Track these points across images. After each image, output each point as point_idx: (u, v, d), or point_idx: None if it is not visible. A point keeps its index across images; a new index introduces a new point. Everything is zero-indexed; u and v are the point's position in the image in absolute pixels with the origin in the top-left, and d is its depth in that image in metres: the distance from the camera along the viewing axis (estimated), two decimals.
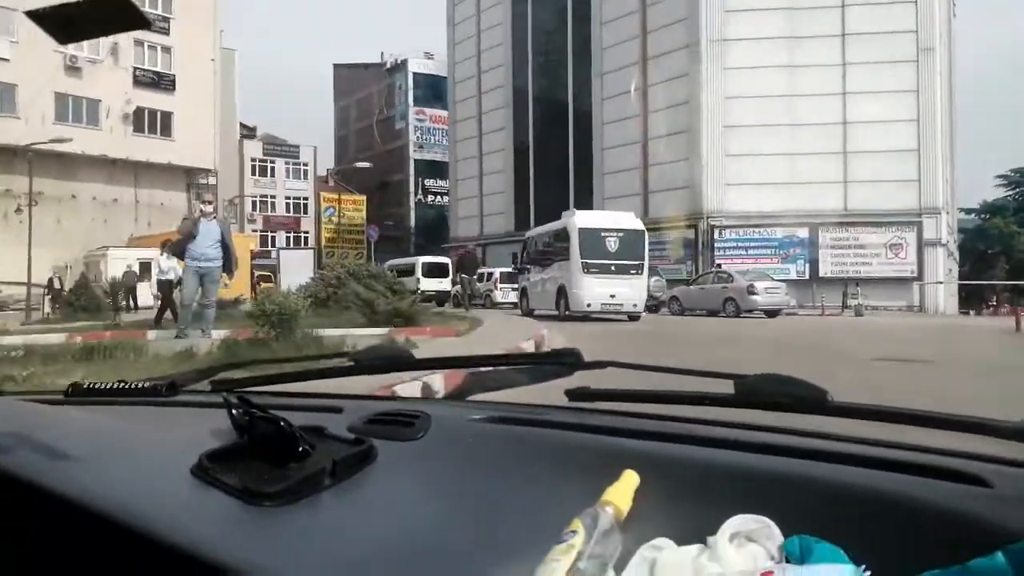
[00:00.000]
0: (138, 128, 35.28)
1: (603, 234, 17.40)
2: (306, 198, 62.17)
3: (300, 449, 0.79)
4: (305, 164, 62.71)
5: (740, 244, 30.96)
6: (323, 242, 58.76)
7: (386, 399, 1.52)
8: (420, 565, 0.64)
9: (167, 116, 36.27)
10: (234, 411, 0.88)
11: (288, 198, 61.53)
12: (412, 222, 59.35)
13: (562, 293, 17.81)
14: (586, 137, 37.02)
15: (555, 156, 39.15)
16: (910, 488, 0.70)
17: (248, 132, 61.97)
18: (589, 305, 16.96)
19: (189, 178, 38.20)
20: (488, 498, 0.79)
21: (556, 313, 18.03)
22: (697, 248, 31.50)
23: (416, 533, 0.70)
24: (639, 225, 18.20)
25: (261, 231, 60.23)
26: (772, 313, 22.13)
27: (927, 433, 0.85)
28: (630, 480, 0.71)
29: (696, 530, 0.67)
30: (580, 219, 17.92)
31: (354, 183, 64.01)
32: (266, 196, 60.70)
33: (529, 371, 1.24)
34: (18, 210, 28.72)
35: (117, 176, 35.45)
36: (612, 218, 18.89)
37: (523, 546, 0.64)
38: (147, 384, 1.27)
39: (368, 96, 65.74)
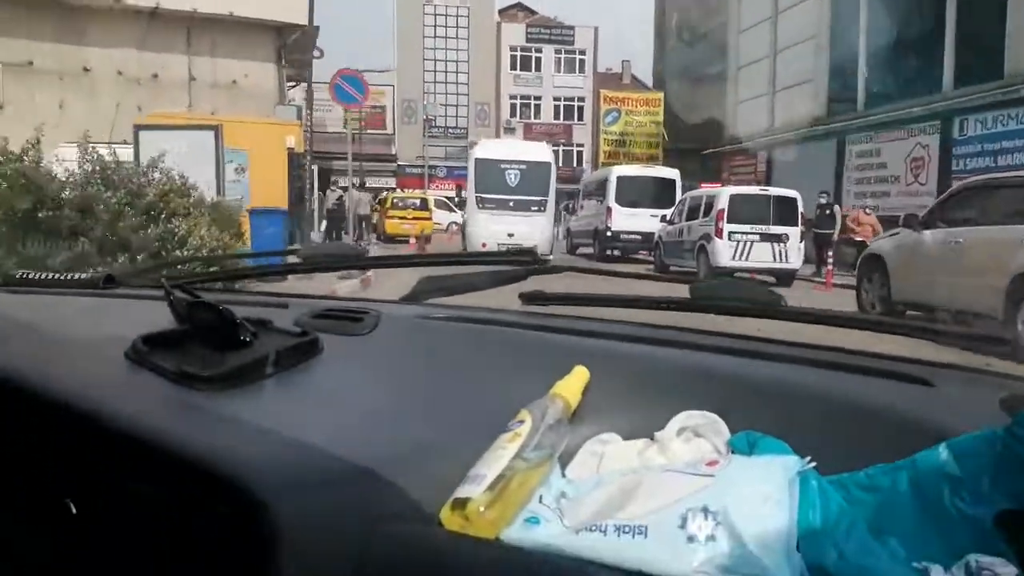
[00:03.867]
0: None
1: (503, 166, 16.45)
2: (582, 99, 46.58)
3: (242, 338, 0.78)
4: (582, 52, 46.91)
5: None
6: (601, 158, 42.34)
7: (335, 298, 1.39)
8: (363, 451, 0.63)
9: None
10: (173, 297, 0.84)
11: (557, 99, 46.70)
12: (736, 129, 39.21)
13: (463, 230, 17.48)
14: None
15: None
16: (856, 388, 0.73)
17: (515, 11, 47.48)
18: (484, 245, 15.26)
19: (280, 41, 24.26)
20: (436, 391, 0.79)
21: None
22: None
23: (361, 422, 0.70)
24: (546, 156, 16.89)
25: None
26: None
27: (877, 338, 0.87)
28: (580, 375, 0.72)
29: (645, 427, 0.68)
30: (480, 149, 17.43)
31: (671, 82, 46.07)
32: (529, 97, 46.34)
33: (485, 275, 1.19)
34: None
35: (156, 38, 22.77)
36: (516, 148, 18.19)
37: (470, 435, 0.64)
38: (83, 276, 1.23)
39: None
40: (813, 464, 0.57)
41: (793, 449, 0.61)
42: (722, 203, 13.43)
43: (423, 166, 41.82)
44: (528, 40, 46.31)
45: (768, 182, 20.06)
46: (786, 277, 13.39)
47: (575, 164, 44.63)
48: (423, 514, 0.58)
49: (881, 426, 0.65)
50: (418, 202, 25.69)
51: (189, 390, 0.70)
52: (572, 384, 0.70)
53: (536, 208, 16.20)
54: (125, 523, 0.65)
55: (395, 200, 25.72)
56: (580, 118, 46.68)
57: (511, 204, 16.09)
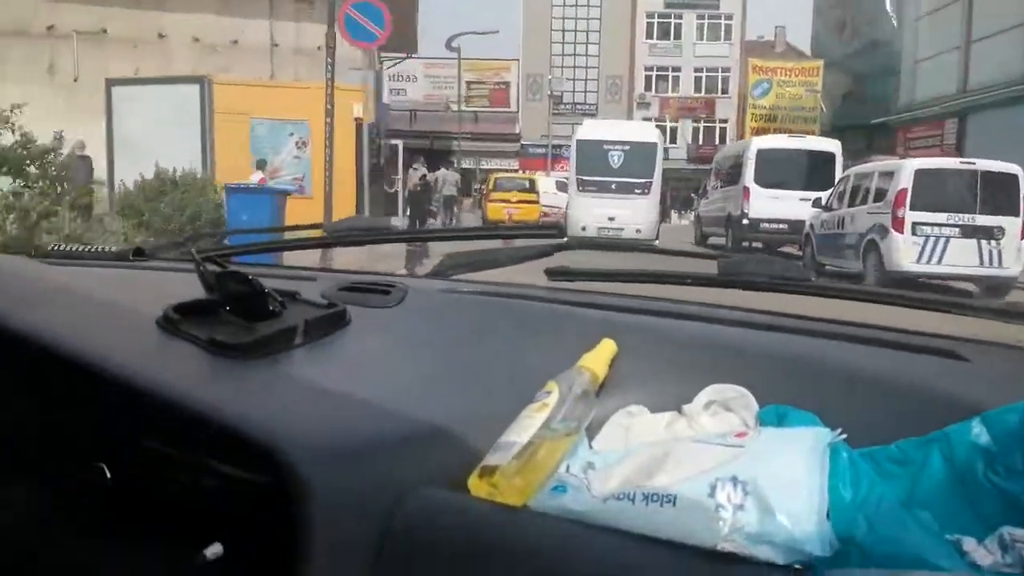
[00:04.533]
0: None
1: (605, 147, 15.80)
2: (727, 69, 41.96)
3: (271, 308, 0.79)
4: (728, 18, 42.21)
5: None
6: (748, 135, 37.64)
7: (362, 272, 1.41)
8: (391, 420, 0.65)
9: None
10: (203, 268, 0.84)
11: (699, 70, 42.31)
12: (914, 94, 31.58)
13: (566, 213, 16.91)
14: None
15: None
16: (888, 362, 0.73)
17: None
18: (584, 228, 14.91)
19: None
20: (463, 362, 0.80)
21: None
22: None
23: (389, 392, 0.71)
24: (651, 137, 16.45)
25: (656, 120, 41.86)
26: None
27: (911, 314, 0.86)
28: (607, 348, 0.73)
29: (672, 400, 0.69)
30: (582, 130, 16.66)
31: (832, 46, 40.49)
32: (666, 69, 42.15)
33: (511, 250, 1.18)
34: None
35: (236, 2, 21.28)
36: (621, 129, 17.42)
37: (497, 406, 0.66)
38: (113, 249, 1.25)
39: None
40: (844, 436, 0.57)
41: (823, 423, 0.61)
42: (904, 181, 9.40)
43: (547, 145, 38.73)
44: (667, 5, 42.23)
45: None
46: (999, 287, 9.23)
47: (717, 141, 40.11)
48: (451, 482, 0.59)
49: (914, 400, 0.64)
50: (526, 183, 22.55)
51: (220, 358, 0.71)
52: (599, 357, 0.71)
53: (640, 191, 15.55)
54: (157, 487, 0.67)
55: (498, 181, 22.69)
56: (725, 91, 42.18)
57: (613, 187, 15.52)
